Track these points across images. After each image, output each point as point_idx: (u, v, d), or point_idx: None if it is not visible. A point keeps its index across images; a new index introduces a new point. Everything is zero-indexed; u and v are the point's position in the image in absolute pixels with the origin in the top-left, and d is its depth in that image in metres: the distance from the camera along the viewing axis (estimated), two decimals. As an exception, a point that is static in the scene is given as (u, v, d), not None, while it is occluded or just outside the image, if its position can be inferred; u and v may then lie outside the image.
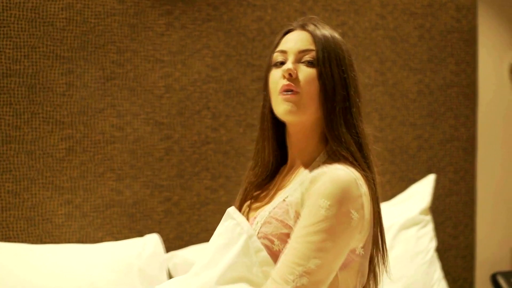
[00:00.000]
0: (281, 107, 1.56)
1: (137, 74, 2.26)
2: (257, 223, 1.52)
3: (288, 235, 1.48)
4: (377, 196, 1.57)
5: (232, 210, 1.53)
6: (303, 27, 1.63)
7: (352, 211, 1.44)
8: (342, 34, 1.63)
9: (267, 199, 1.64)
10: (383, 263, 1.62)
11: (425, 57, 2.69)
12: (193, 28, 2.33)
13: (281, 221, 1.49)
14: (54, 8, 2.14)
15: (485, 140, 2.91)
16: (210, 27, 2.35)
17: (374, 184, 1.56)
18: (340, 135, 1.55)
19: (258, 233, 1.50)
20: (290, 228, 1.47)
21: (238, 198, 1.70)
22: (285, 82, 1.56)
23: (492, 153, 2.95)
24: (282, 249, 1.48)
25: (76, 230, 2.18)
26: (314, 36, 1.59)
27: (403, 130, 2.66)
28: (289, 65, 1.57)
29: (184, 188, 2.33)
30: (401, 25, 2.64)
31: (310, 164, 1.59)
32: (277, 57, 1.61)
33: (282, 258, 1.44)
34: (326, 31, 1.62)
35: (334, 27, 1.68)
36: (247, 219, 1.63)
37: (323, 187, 1.44)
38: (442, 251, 2.67)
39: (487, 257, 2.94)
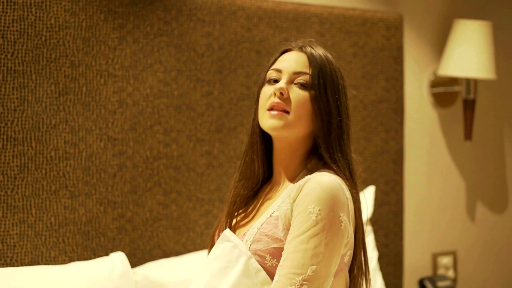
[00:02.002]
0: (267, 122, 1.62)
1: (90, 88, 2.21)
2: (247, 241, 1.55)
3: (279, 249, 1.51)
4: (360, 209, 1.64)
5: (228, 233, 1.55)
6: (301, 48, 1.67)
7: (341, 214, 1.50)
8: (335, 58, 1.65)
9: (251, 216, 1.67)
10: (366, 272, 1.69)
11: (359, 73, 2.80)
12: (146, 43, 2.31)
13: (271, 236, 1.52)
14: (6, 20, 2.06)
15: (411, 153, 3.07)
16: (161, 42, 2.34)
17: (358, 199, 1.62)
18: (337, 159, 1.60)
19: (248, 250, 1.53)
20: (281, 241, 1.51)
21: (228, 211, 1.71)
22: (276, 100, 1.61)
23: (417, 165, 3.11)
24: (274, 264, 1.51)
25: (29, 250, 2.11)
26: (311, 60, 1.64)
27: (340, 143, 2.75)
28: (281, 84, 1.62)
29: (137, 204, 2.30)
30: (338, 42, 2.74)
31: (293, 180, 1.64)
32: (271, 74, 1.66)
33: (280, 272, 1.47)
34: (323, 56, 1.66)
35: (328, 51, 1.73)
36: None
37: (311, 193, 1.49)
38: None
39: (413, 263, 3.09)
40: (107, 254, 2.23)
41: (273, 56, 1.75)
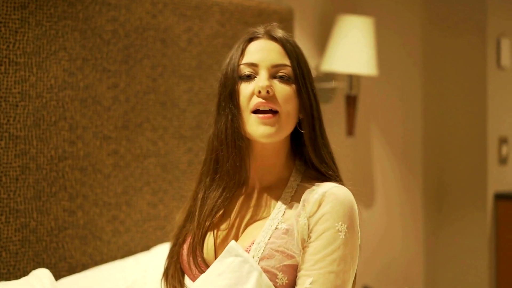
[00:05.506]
0: (258, 129, 1.43)
1: (-11, 78, 1.88)
2: (253, 257, 1.38)
3: (290, 267, 1.38)
4: None
5: (235, 245, 1.35)
6: (271, 36, 1.50)
7: (359, 229, 1.43)
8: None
9: (237, 227, 1.49)
10: None
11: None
12: (49, 26, 2.01)
13: (282, 252, 1.38)
14: None
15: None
16: (66, 25, 2.05)
17: None
18: (323, 156, 1.49)
19: None
20: (292, 257, 1.38)
21: (200, 224, 1.50)
22: (260, 100, 1.44)
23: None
24: (284, 283, 1.37)
25: None
26: (287, 49, 1.48)
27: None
28: (264, 80, 1.44)
29: (41, 212, 2.00)
30: (237, 34, 2.59)
31: (283, 184, 1.50)
32: (244, 70, 1.47)
33: None
34: (294, 42, 1.53)
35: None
36: (215, 249, 1.48)
37: (336, 209, 1.38)
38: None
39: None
40: (9, 272, 1.92)
41: (236, 46, 1.53)
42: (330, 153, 1.51)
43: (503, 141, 3.78)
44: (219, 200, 1.48)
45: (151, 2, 2.29)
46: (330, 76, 3.11)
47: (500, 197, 3.69)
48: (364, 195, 3.47)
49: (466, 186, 3.75)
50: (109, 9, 2.17)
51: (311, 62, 3.04)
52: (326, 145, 1.50)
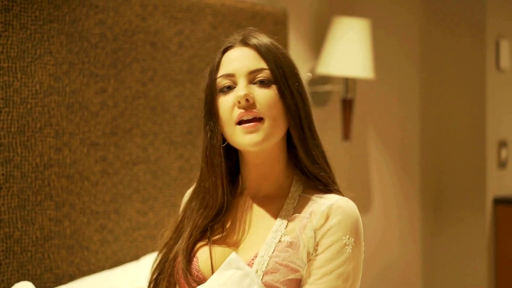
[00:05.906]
0: (243, 139, 1.38)
1: (-29, 83, 1.82)
2: (257, 271, 1.33)
3: (293, 281, 1.34)
4: None
5: (236, 258, 1.31)
6: (244, 42, 1.45)
7: (363, 243, 1.41)
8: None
9: (236, 238, 1.44)
10: None
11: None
12: (34, 30, 1.95)
13: (286, 266, 1.34)
14: None
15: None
16: (52, 29, 1.99)
17: None
18: (314, 157, 1.44)
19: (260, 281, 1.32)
20: (297, 271, 1.34)
21: (185, 243, 1.45)
22: (241, 110, 1.39)
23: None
24: None
25: None
26: (262, 53, 1.43)
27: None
28: (242, 90, 1.39)
29: (26, 222, 1.94)
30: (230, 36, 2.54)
31: (283, 194, 1.45)
32: (222, 82, 1.42)
33: None
34: (271, 44, 1.47)
35: (270, 36, 1.53)
36: (211, 262, 1.42)
37: (343, 222, 1.35)
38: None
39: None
40: (-8, 283, 1.86)
41: (214, 61, 1.49)
42: (322, 153, 1.45)
43: (502, 144, 3.73)
44: (200, 220, 1.45)
45: (141, 4, 2.23)
46: (326, 79, 3.05)
47: (499, 202, 3.64)
48: (362, 199, 3.41)
49: (465, 190, 3.70)
50: (96, 11, 2.11)
51: (306, 65, 3.00)
52: (318, 145, 1.44)
